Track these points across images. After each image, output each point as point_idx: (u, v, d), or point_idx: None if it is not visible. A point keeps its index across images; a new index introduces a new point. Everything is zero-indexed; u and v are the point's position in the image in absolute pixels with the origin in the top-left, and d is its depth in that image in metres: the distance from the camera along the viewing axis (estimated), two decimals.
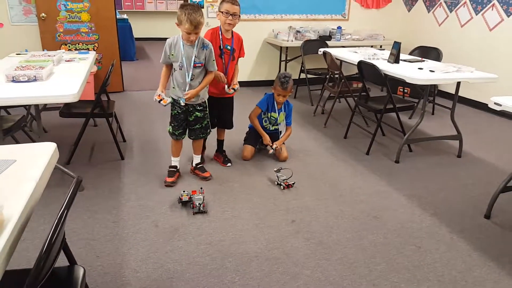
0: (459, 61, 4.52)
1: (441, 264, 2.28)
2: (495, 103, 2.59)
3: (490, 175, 3.41)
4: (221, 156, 3.53)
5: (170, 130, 3.06)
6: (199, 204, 2.69)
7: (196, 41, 2.79)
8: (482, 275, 2.20)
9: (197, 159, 3.22)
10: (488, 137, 4.38)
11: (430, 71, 3.56)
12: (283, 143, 3.66)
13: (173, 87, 2.96)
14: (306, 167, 3.50)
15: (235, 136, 3.81)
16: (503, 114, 2.55)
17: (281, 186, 3.05)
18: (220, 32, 3.13)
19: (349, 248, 2.40)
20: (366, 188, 3.15)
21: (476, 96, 5.40)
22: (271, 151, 3.56)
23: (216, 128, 3.48)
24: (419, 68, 3.71)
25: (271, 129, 3.73)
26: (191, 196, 2.75)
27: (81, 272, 1.44)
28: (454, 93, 3.71)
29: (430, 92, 5.19)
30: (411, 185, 3.21)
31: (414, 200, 2.98)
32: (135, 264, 2.20)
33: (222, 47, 3.14)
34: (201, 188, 2.81)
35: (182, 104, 2.92)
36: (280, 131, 3.73)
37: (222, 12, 3.05)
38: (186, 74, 2.85)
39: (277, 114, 3.65)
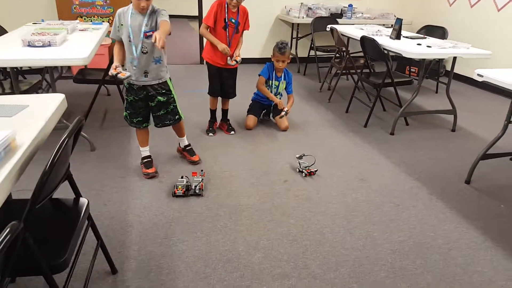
0: (467, 40, 4.60)
1: (416, 219, 2.49)
2: (478, 74, 2.74)
3: (480, 148, 3.52)
4: (225, 124, 3.75)
5: (127, 117, 2.79)
6: (195, 186, 2.65)
7: (149, 10, 2.51)
8: (451, 228, 2.42)
9: (184, 141, 3.11)
10: (485, 115, 4.49)
11: (428, 46, 3.69)
12: (286, 115, 3.80)
13: (125, 69, 2.61)
14: (306, 136, 3.71)
15: (240, 107, 4.03)
16: (506, 93, 2.62)
17: (303, 174, 2.97)
18: (226, 5, 3.21)
19: (332, 203, 2.62)
20: (358, 156, 3.34)
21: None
22: (282, 113, 3.73)
23: (220, 98, 3.67)
24: (418, 44, 3.83)
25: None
26: (188, 181, 2.72)
27: (85, 203, 1.68)
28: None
29: (434, 71, 5.32)
30: (401, 154, 3.40)
31: (401, 166, 3.17)
32: (138, 211, 2.47)
33: (227, 20, 3.24)
34: (202, 171, 2.85)
35: (137, 81, 2.64)
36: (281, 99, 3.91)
37: None
38: (134, 46, 2.54)
39: (278, 82, 3.83)
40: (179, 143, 3.16)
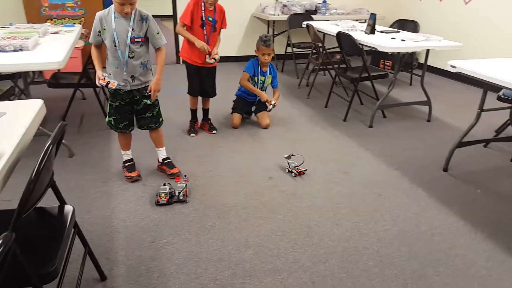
0: (436, 33, 4.71)
1: (398, 207, 2.56)
2: (451, 66, 2.82)
3: (454, 137, 3.62)
4: (207, 124, 3.72)
5: (112, 123, 2.68)
6: (178, 192, 2.56)
7: (132, 13, 2.42)
8: (432, 215, 2.50)
9: (162, 153, 2.93)
10: (458, 104, 4.63)
11: (402, 40, 3.77)
12: (273, 107, 3.71)
13: (110, 74, 2.54)
14: (287, 133, 3.73)
15: (221, 106, 4.03)
16: (478, 84, 2.70)
17: (293, 174, 2.93)
18: (202, 3, 3.20)
19: (318, 197, 2.66)
20: (339, 149, 3.40)
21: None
22: (270, 107, 3.68)
23: (200, 98, 3.64)
24: (392, 38, 3.92)
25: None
26: (172, 187, 2.63)
27: (70, 210, 1.64)
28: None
29: (407, 64, 5.44)
30: (380, 146, 3.47)
31: (381, 158, 3.24)
32: (123, 215, 2.43)
33: (204, 18, 3.23)
34: (185, 176, 2.79)
35: (129, 87, 2.58)
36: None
37: None
38: (120, 52, 2.45)
39: (264, 77, 3.80)
40: (158, 159, 2.97)
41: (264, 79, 3.81)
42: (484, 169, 3.12)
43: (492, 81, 2.52)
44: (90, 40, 2.50)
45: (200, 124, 3.77)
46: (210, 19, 3.26)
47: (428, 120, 4.07)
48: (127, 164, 2.86)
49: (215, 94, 3.63)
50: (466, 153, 3.24)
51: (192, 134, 3.60)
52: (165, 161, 2.92)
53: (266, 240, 2.22)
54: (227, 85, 4.13)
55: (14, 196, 1.29)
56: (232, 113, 3.88)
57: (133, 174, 2.79)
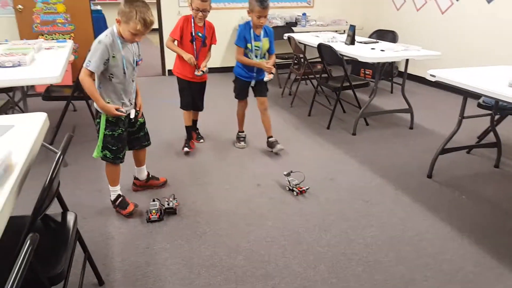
0: (414, 43, 4.89)
1: (385, 214, 2.66)
2: (430, 75, 2.97)
3: (437, 143, 3.76)
4: (194, 133, 3.79)
5: (108, 156, 2.49)
6: (168, 204, 2.59)
7: None
8: (419, 221, 2.59)
9: (143, 170, 2.87)
10: (441, 112, 4.79)
11: (381, 50, 3.93)
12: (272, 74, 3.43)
13: (108, 102, 2.38)
14: None
15: (207, 116, 4.10)
16: (457, 91, 2.83)
17: (294, 192, 2.86)
18: (192, 19, 3.27)
19: (305, 204, 2.75)
20: (324, 157, 3.51)
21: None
22: (270, 76, 3.39)
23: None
24: (371, 48, 4.08)
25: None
26: (161, 203, 2.62)
27: (73, 217, 1.73)
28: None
29: (387, 72, 5.61)
30: (364, 153, 3.59)
31: (366, 165, 3.36)
32: (118, 223, 2.50)
33: (193, 34, 3.29)
34: (173, 195, 2.73)
35: (132, 115, 2.54)
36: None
37: (193, 8, 3.18)
38: (127, 79, 2.42)
39: (259, 41, 3.38)
40: (138, 178, 2.88)
41: (260, 45, 3.39)
42: (468, 174, 3.23)
43: (470, 89, 2.64)
44: (93, 68, 2.25)
45: None
46: (200, 34, 3.32)
47: (411, 127, 4.22)
48: (119, 201, 2.61)
49: (202, 109, 3.70)
50: (450, 159, 3.35)
51: (186, 149, 3.53)
52: (150, 176, 2.91)
53: (257, 246, 2.30)
54: (212, 98, 4.16)
55: (20, 203, 1.36)
56: (239, 100, 3.64)
57: (131, 208, 2.60)
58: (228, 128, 4.03)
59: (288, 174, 2.96)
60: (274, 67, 3.47)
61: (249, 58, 3.40)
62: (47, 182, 1.30)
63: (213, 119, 4.09)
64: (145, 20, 2.19)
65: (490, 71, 3.06)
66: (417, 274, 2.12)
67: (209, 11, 3.24)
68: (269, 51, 3.49)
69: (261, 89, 3.54)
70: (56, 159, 1.37)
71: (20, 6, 5.12)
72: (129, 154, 2.71)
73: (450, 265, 2.19)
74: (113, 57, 2.30)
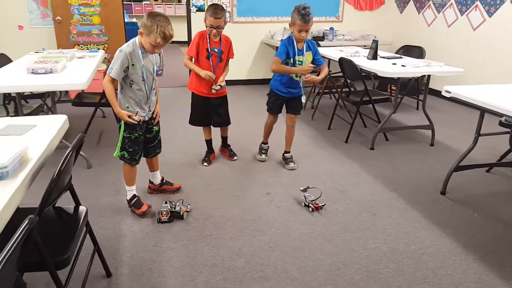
0: (443, 59, 4.87)
1: (391, 227, 2.67)
2: (446, 91, 2.98)
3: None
4: (227, 150, 3.76)
5: (125, 156, 2.68)
6: (174, 208, 2.70)
7: None
8: (424, 235, 2.59)
9: (157, 175, 3.03)
10: (465, 129, 4.69)
11: (402, 65, 3.95)
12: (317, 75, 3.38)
13: (128, 107, 2.58)
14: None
15: (230, 129, 4.19)
16: (490, 112, 2.79)
17: (310, 208, 2.84)
18: (208, 35, 3.23)
19: (313, 214, 2.81)
20: (339, 170, 3.55)
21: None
22: (308, 78, 3.29)
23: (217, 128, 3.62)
24: (393, 64, 4.09)
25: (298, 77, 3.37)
26: (173, 205, 2.73)
27: (84, 210, 1.88)
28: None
29: (414, 89, 5.57)
30: (380, 168, 3.60)
31: (379, 179, 3.37)
32: (131, 222, 2.66)
33: (209, 50, 3.26)
34: (182, 200, 2.84)
35: (147, 119, 2.69)
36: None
37: (206, 25, 3.17)
38: (147, 87, 2.58)
39: (303, 56, 3.28)
40: (153, 182, 3.05)
41: (303, 59, 3.28)
42: (484, 193, 3.17)
43: (485, 106, 2.66)
44: (114, 75, 2.45)
45: (220, 150, 3.82)
46: (216, 50, 3.28)
47: (431, 144, 4.18)
48: (134, 201, 2.78)
49: (229, 123, 3.61)
50: (468, 177, 3.31)
51: (205, 164, 3.57)
52: (164, 181, 3.05)
53: (259, 251, 2.38)
54: (240, 110, 4.25)
55: (36, 199, 1.51)
56: (270, 114, 3.59)
57: (144, 208, 2.75)
58: (250, 141, 4.08)
59: (304, 190, 2.93)
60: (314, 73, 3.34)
61: (289, 74, 3.32)
62: (55, 175, 1.45)
63: (235, 131, 4.19)
64: (164, 34, 2.34)
65: (509, 88, 3.03)
66: (414, 286, 2.13)
67: (223, 28, 3.20)
68: (317, 63, 3.37)
69: (296, 107, 3.49)
70: (65, 154, 1.53)
71: (58, 18, 5.48)
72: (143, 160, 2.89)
73: (450, 280, 2.18)
74: (133, 65, 2.47)
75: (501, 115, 2.73)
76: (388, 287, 2.11)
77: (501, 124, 3.39)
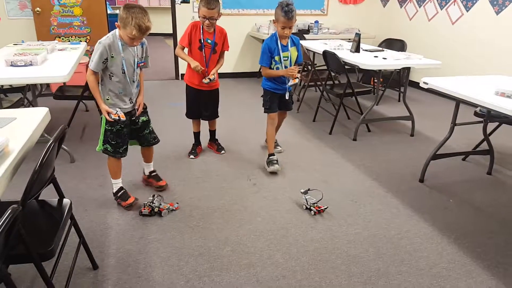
0: (424, 52, 4.97)
1: (371, 213, 2.77)
2: (423, 82, 3.07)
3: None
4: (214, 144, 3.75)
5: (109, 149, 2.67)
6: (153, 203, 2.70)
7: None
8: (402, 221, 2.69)
9: (149, 167, 3.03)
10: (444, 120, 4.78)
11: (383, 58, 4.03)
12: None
13: (107, 99, 2.58)
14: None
15: (225, 124, 4.24)
16: (465, 102, 2.87)
17: (312, 212, 2.75)
18: (201, 26, 3.20)
19: (297, 203, 2.88)
20: (322, 160, 3.62)
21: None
22: (295, 80, 3.25)
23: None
24: (374, 56, 4.17)
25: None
26: (159, 200, 2.74)
27: (68, 203, 1.89)
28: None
29: (395, 82, 5.68)
30: (361, 158, 3.69)
31: (361, 168, 3.46)
32: (116, 215, 2.68)
33: (202, 40, 3.22)
34: (177, 203, 2.80)
35: (127, 111, 2.66)
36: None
37: (200, 16, 3.15)
38: (128, 78, 2.55)
39: (288, 52, 3.26)
40: (144, 171, 3.07)
41: (289, 54, 3.27)
42: (459, 180, 3.31)
43: (460, 97, 2.76)
44: (93, 67, 2.44)
45: (208, 144, 3.81)
46: (209, 41, 3.25)
47: (411, 135, 4.29)
48: (120, 193, 2.78)
49: (217, 116, 3.62)
50: (445, 166, 3.44)
51: (192, 157, 3.58)
52: (152, 174, 3.03)
53: (245, 239, 2.44)
54: (227, 104, 4.24)
55: (18, 194, 1.52)
56: (269, 114, 3.44)
57: (131, 200, 2.75)
58: (237, 135, 4.16)
59: (305, 192, 2.85)
60: (299, 72, 3.32)
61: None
62: (37, 166, 1.46)
63: (222, 125, 4.22)
64: (140, 26, 2.32)
65: (483, 80, 3.15)
66: (393, 268, 2.23)
67: (217, 19, 3.17)
68: (297, 59, 3.36)
69: (287, 104, 3.47)
70: (47, 146, 1.53)
71: (38, 9, 5.36)
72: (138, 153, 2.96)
73: (426, 261, 2.29)
74: (112, 57, 2.46)
75: (476, 105, 2.84)
76: (368, 270, 2.20)
77: (475, 114, 3.50)
